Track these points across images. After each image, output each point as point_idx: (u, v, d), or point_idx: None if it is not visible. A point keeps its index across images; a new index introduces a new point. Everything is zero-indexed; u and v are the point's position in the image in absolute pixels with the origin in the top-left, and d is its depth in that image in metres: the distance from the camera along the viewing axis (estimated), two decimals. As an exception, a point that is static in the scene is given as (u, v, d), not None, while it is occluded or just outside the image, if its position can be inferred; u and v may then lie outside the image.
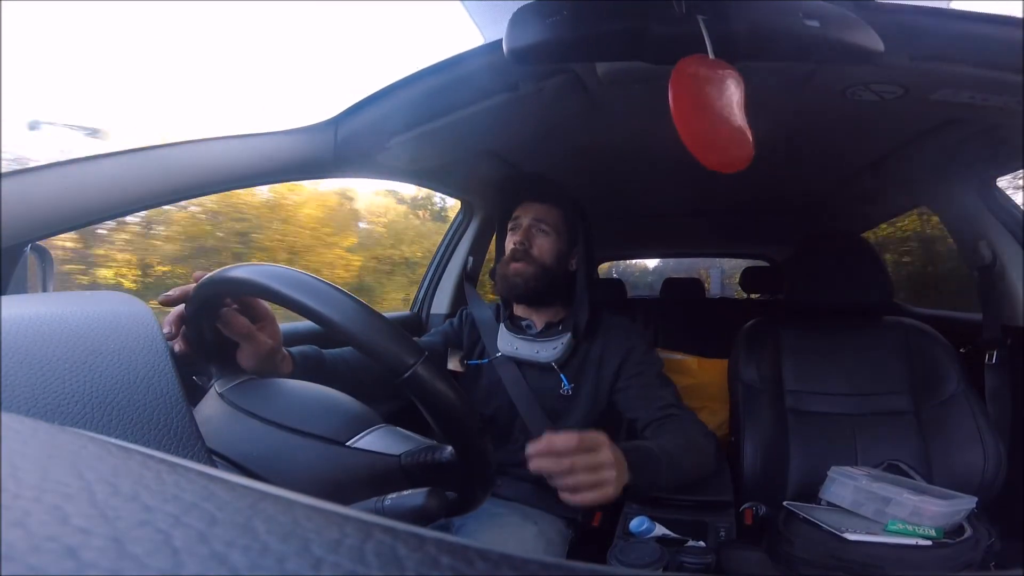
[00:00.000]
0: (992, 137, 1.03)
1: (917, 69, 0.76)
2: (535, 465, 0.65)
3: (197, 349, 0.54)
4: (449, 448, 0.45)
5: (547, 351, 1.03)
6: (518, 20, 0.66)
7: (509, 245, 1.07)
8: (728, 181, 1.55)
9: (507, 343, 1.07)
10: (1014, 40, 0.70)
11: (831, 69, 0.84)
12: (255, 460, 0.43)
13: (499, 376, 1.05)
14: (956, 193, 1.27)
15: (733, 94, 0.61)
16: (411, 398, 0.41)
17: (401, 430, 0.48)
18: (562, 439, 0.65)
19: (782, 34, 0.64)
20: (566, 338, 1.03)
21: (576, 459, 0.65)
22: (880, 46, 0.64)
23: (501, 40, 0.67)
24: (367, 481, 0.45)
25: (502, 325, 1.10)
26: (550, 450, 0.65)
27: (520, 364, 1.06)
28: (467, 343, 1.14)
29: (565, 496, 0.66)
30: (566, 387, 1.01)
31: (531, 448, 0.65)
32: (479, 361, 1.10)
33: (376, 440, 0.47)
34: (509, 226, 1.11)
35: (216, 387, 0.52)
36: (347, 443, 0.46)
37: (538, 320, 1.10)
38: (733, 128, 0.61)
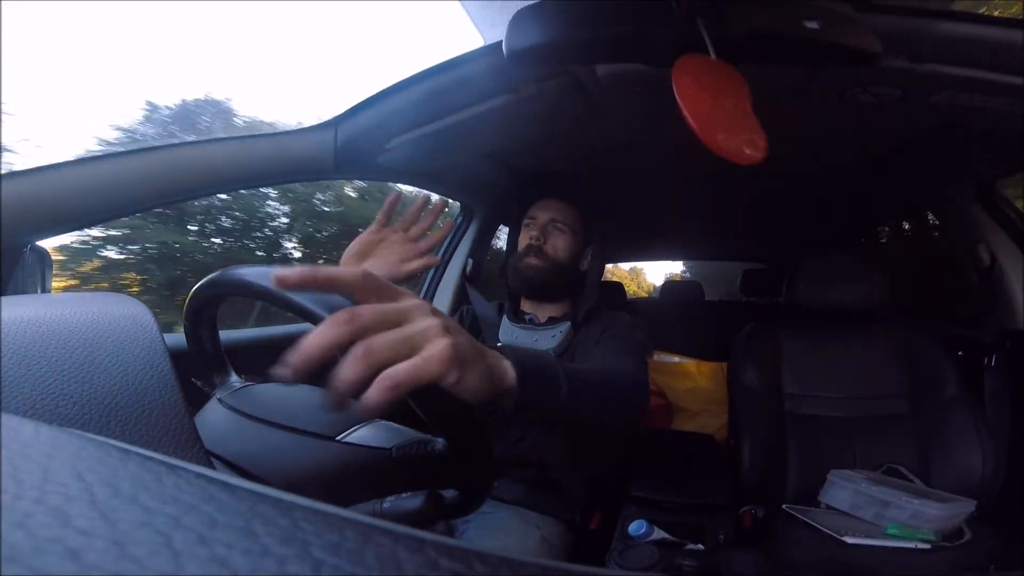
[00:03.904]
0: (991, 139, 1.04)
1: (916, 71, 0.77)
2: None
3: (197, 355, 0.55)
4: (441, 440, 0.45)
5: (545, 340, 1.04)
6: (518, 22, 0.66)
7: (524, 241, 1.07)
8: (727, 184, 1.56)
9: (507, 334, 1.08)
10: (1013, 42, 0.70)
11: (830, 71, 0.84)
12: (248, 458, 0.44)
13: None
14: (955, 196, 1.28)
15: (739, 90, 0.62)
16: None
17: (393, 424, 0.48)
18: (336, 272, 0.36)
19: (782, 36, 0.64)
20: (565, 327, 1.05)
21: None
22: (879, 48, 0.65)
23: (501, 42, 0.67)
24: (359, 474, 0.46)
25: (504, 317, 1.11)
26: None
27: None
28: None
29: (368, 393, 0.33)
30: None
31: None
32: None
33: (367, 434, 0.47)
34: (524, 223, 1.11)
35: (216, 395, 0.53)
36: (338, 438, 0.46)
37: (541, 315, 1.11)
38: (745, 120, 0.61)
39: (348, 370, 0.32)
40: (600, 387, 0.68)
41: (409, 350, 0.34)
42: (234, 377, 0.58)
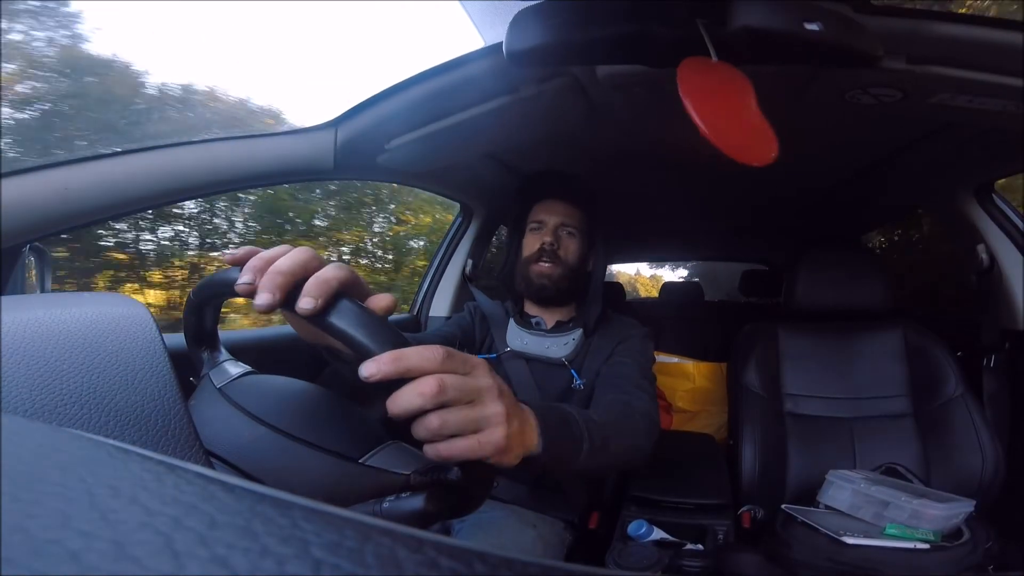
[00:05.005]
0: (990, 140, 1.04)
1: (915, 73, 0.77)
2: (376, 377, 0.37)
3: (193, 335, 0.54)
4: (455, 468, 0.45)
5: (558, 347, 1.02)
6: (518, 22, 0.66)
7: (534, 245, 1.05)
8: (728, 184, 1.56)
9: (516, 339, 1.06)
10: (1013, 43, 0.70)
11: (831, 73, 0.84)
12: (265, 469, 0.43)
13: (506, 372, 1.03)
14: (954, 197, 1.28)
15: (745, 91, 0.62)
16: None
17: (409, 447, 0.48)
18: (419, 351, 0.39)
19: (783, 38, 0.64)
20: (577, 334, 1.03)
21: (447, 379, 0.39)
22: (879, 50, 0.65)
23: (501, 43, 0.67)
24: (375, 496, 0.45)
25: (511, 321, 1.08)
26: (404, 363, 0.38)
27: (528, 360, 1.04)
28: (478, 337, 1.12)
29: (428, 447, 0.40)
30: (578, 383, 0.99)
31: (369, 365, 0.37)
32: (487, 356, 1.08)
33: (387, 458, 0.46)
34: (530, 227, 1.08)
35: (212, 379, 0.51)
36: (360, 460, 0.45)
37: (548, 318, 1.08)
38: (754, 121, 0.61)
39: (418, 433, 0.39)
40: (617, 442, 0.69)
41: (473, 429, 0.41)
42: (223, 353, 0.55)
